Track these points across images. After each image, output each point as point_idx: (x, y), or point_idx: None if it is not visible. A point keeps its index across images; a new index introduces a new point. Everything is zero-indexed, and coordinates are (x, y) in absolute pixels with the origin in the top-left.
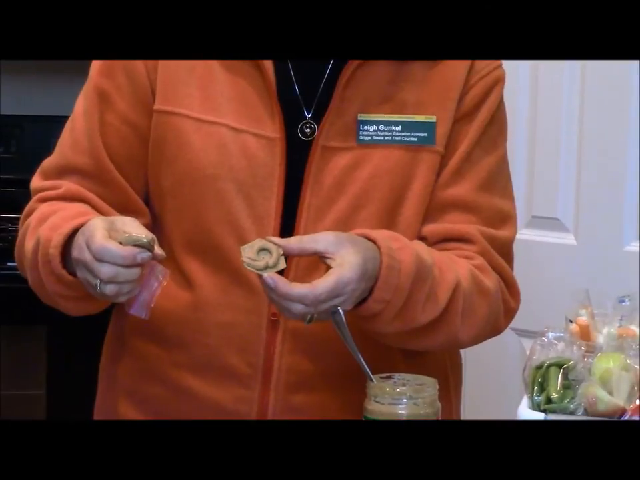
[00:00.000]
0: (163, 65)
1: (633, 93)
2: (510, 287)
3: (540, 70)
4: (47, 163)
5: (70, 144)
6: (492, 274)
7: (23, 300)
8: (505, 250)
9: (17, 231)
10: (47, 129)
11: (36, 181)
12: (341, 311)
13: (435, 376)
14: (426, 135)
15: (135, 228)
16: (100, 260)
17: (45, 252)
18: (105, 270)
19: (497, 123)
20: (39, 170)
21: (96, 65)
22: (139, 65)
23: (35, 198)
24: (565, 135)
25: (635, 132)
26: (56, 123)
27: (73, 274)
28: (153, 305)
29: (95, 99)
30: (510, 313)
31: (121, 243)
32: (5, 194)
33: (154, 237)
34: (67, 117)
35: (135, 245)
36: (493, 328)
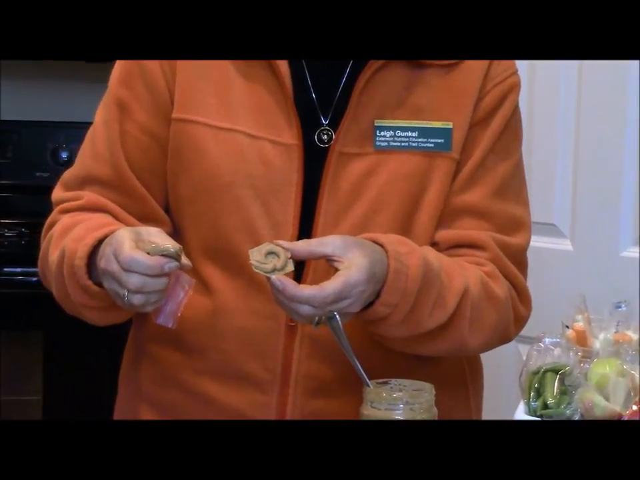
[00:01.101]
0: (181, 73)
1: (630, 98)
2: (521, 294)
3: (537, 75)
4: (68, 174)
5: (91, 155)
6: (502, 281)
7: (20, 306)
8: (517, 257)
9: (13, 236)
10: (44, 135)
11: (57, 192)
12: (337, 316)
13: (452, 384)
14: (442, 140)
15: (161, 238)
16: (128, 270)
17: (70, 263)
18: (133, 280)
19: (511, 130)
20: (60, 181)
21: (115, 75)
22: (158, 75)
23: (56, 209)
24: (562, 141)
25: (631, 137)
26: (53, 129)
27: (99, 285)
28: (179, 315)
29: (114, 110)
30: (520, 320)
31: (148, 253)
32: (1, 199)
33: (181, 246)
34: (64, 123)
35: (163, 255)
36: (503, 335)
